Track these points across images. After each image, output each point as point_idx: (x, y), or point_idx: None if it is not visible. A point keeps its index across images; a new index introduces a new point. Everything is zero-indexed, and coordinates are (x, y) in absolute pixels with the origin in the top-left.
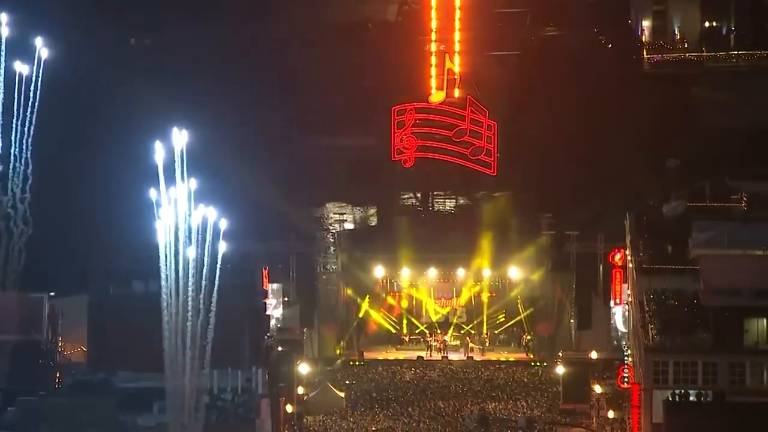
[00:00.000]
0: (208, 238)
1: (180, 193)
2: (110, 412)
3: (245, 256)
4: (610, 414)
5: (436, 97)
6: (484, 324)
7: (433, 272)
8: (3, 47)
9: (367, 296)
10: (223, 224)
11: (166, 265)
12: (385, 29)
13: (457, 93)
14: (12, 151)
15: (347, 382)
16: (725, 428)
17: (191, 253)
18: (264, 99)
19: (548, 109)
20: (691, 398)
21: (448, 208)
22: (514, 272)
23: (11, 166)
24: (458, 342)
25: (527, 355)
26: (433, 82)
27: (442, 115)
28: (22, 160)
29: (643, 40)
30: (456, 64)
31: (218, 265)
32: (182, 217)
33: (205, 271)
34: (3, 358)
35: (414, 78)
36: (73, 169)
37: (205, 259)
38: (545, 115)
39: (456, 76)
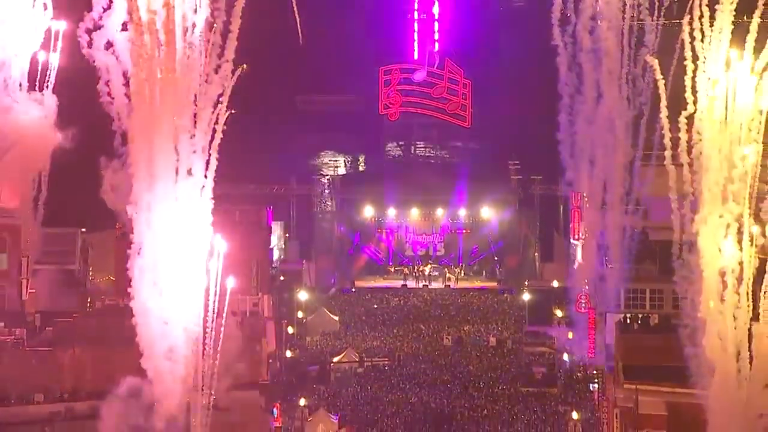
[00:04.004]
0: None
1: None
2: (134, 333)
3: (252, 197)
4: (570, 335)
5: (418, 75)
6: (460, 256)
7: (415, 212)
8: None
9: (358, 232)
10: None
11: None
12: None
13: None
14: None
15: (340, 307)
16: (668, 345)
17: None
18: (268, 60)
19: (518, 70)
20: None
21: (428, 155)
22: (486, 212)
23: None
24: (437, 272)
25: (497, 283)
26: (416, 46)
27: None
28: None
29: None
30: (436, 31)
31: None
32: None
33: None
34: (42, 285)
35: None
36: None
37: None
38: (515, 75)
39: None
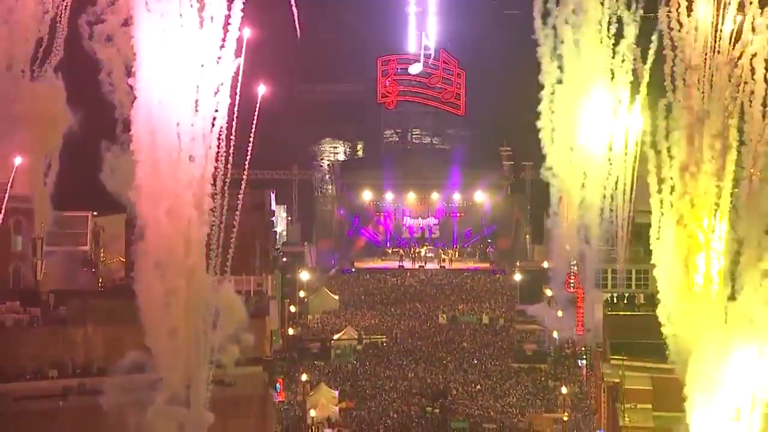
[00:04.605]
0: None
1: None
2: None
3: (256, 181)
4: (559, 313)
5: (414, 68)
6: (454, 239)
7: (411, 196)
8: None
9: (357, 216)
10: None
11: None
12: None
13: (432, 48)
14: None
15: (340, 287)
16: (652, 323)
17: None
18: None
19: (510, 59)
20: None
21: (424, 142)
22: (479, 196)
23: None
24: (432, 254)
25: (490, 264)
26: (412, 39)
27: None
28: None
29: None
30: (431, 23)
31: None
32: None
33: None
34: (55, 265)
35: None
36: None
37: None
38: (508, 65)
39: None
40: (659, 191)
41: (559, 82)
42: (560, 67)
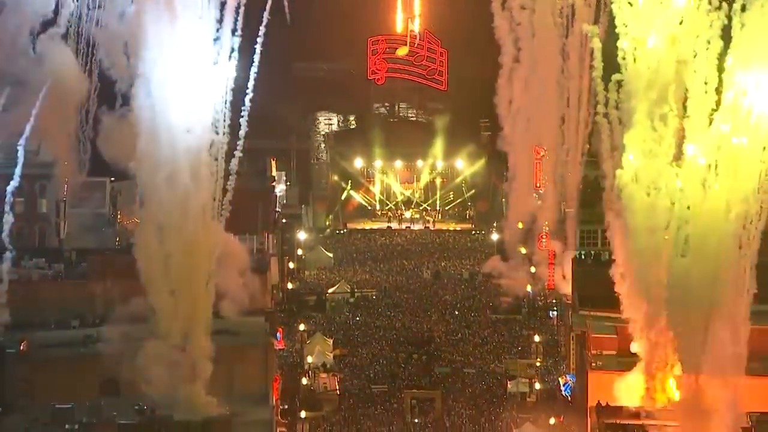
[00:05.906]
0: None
1: None
2: None
3: (258, 150)
4: (532, 269)
5: (402, 51)
6: (438, 202)
7: (399, 163)
8: None
9: (350, 181)
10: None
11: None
12: None
13: (417, 29)
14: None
15: (334, 245)
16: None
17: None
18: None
19: (487, 39)
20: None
21: (410, 114)
22: (460, 163)
23: None
24: (418, 216)
25: (470, 225)
26: (399, 19)
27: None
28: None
29: None
30: (416, 6)
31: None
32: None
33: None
34: (77, 225)
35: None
36: None
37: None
38: (484, 45)
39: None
40: (612, 157)
41: (517, 60)
42: (519, 49)
